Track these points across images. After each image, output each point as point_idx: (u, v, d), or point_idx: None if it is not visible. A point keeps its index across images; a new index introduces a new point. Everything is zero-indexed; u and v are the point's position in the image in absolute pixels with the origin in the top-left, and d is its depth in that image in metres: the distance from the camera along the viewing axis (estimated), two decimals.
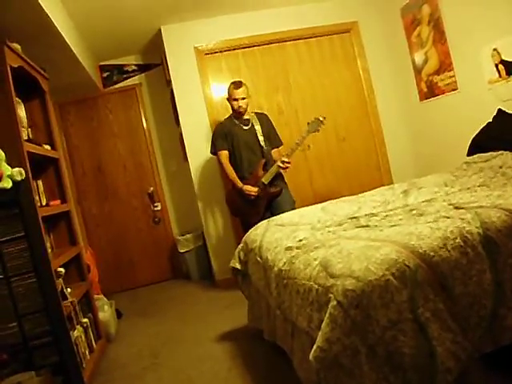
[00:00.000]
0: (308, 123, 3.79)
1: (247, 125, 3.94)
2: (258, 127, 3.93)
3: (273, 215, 3.31)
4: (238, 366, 2.62)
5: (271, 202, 3.83)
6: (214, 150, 3.99)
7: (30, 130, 3.06)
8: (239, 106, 3.87)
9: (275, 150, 4.02)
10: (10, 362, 2.26)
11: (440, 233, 1.70)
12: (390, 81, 4.97)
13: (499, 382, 1.78)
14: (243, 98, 3.86)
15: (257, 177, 3.79)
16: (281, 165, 3.70)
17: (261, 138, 3.91)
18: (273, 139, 4.03)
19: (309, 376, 1.76)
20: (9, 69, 2.53)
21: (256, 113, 4.07)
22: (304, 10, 4.76)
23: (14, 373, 2.23)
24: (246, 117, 3.97)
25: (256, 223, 3.05)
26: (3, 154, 2.20)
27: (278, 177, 3.87)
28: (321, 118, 3.74)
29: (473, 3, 3.65)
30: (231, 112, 4.02)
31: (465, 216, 1.81)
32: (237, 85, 3.87)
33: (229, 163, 3.92)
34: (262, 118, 4.05)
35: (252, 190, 3.76)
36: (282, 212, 3.22)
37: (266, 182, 3.75)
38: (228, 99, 3.94)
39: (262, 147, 3.90)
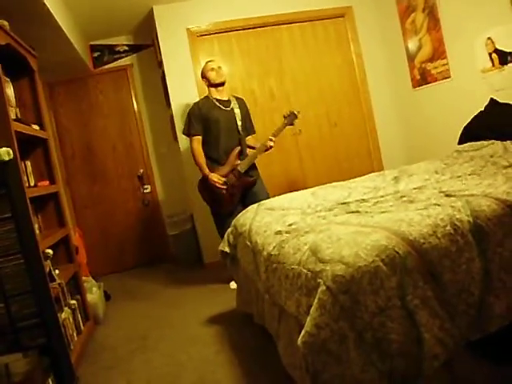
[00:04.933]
0: (284, 116, 3.69)
1: (227, 106, 3.80)
2: (237, 111, 3.81)
3: (245, 206, 3.19)
4: (225, 349, 2.64)
5: (245, 193, 3.72)
6: (188, 133, 3.81)
7: (18, 109, 3.01)
8: (217, 73, 3.75)
9: (250, 137, 3.92)
10: None
11: (430, 220, 1.70)
12: (382, 67, 4.95)
13: (485, 369, 1.80)
14: (219, 67, 3.78)
15: (232, 165, 3.69)
16: (269, 143, 3.63)
17: (239, 123, 3.78)
18: (248, 126, 3.93)
19: (293, 361, 1.77)
20: None
21: (235, 96, 3.96)
22: None
23: (0, 354, 2.22)
24: (226, 98, 3.84)
25: (229, 213, 3.00)
26: None
27: (252, 167, 3.78)
28: (295, 112, 3.66)
29: None
30: (208, 93, 3.87)
31: (455, 204, 1.81)
32: (210, 60, 3.83)
33: (200, 149, 3.75)
34: (241, 102, 3.93)
35: (219, 180, 3.63)
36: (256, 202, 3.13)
37: (242, 171, 3.67)
38: (204, 77, 3.81)
39: (239, 133, 3.78)
